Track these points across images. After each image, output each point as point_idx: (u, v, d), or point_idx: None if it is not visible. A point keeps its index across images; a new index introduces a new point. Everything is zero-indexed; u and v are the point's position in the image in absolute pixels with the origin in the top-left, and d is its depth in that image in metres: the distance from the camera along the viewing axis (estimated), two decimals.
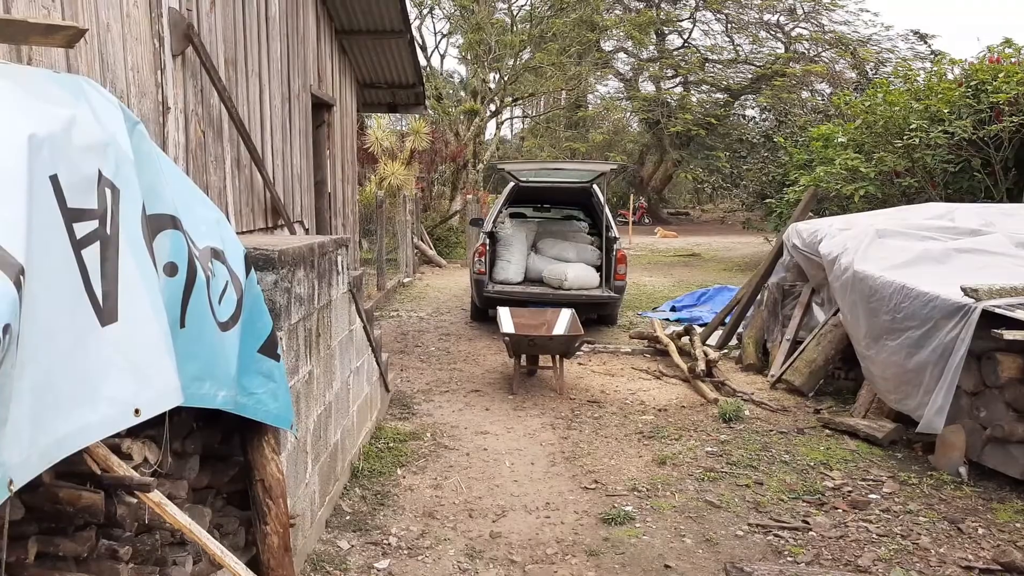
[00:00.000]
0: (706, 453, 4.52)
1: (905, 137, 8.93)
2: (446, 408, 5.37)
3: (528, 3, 19.38)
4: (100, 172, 1.54)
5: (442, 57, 23.04)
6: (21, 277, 1.12)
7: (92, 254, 1.44)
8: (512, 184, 8.93)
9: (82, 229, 1.43)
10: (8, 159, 1.23)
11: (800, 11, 21.00)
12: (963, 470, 4.13)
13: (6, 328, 1.05)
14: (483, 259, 8.08)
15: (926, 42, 18.56)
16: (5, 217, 1.15)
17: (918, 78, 10.76)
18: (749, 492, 3.94)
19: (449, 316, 9.23)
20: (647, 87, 23.43)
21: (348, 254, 4.05)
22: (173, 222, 1.86)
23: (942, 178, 8.74)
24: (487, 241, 8.31)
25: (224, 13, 4.37)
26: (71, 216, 1.40)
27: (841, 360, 5.74)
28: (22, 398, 1.14)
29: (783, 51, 21.41)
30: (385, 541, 3.32)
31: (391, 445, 4.52)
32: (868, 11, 26.25)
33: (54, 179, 1.37)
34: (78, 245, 1.40)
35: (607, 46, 22.53)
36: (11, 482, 1.09)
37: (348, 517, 3.53)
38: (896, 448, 4.58)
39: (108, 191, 1.55)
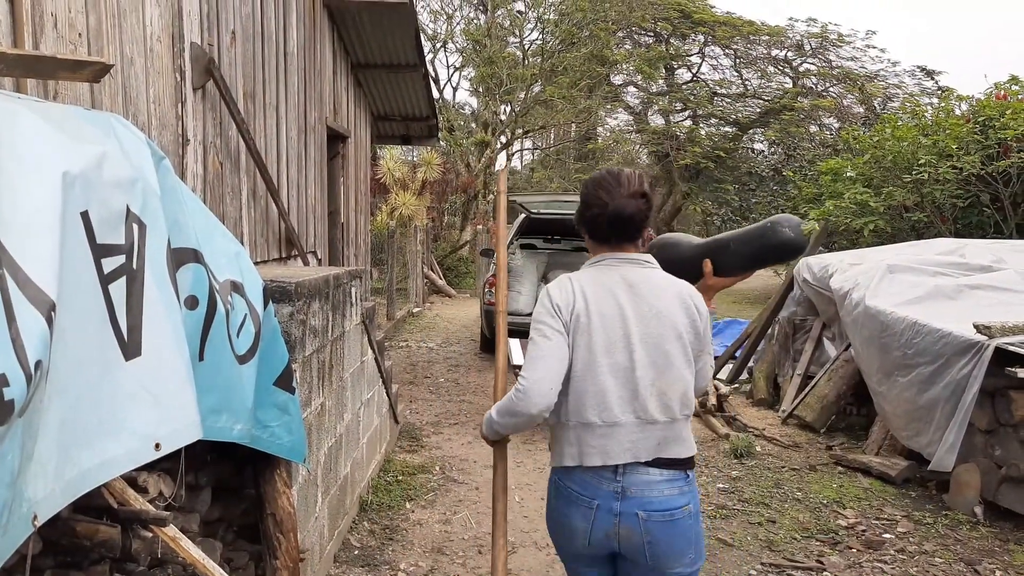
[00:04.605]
0: (718, 490, 4.46)
1: (914, 172, 8.97)
2: (455, 441, 5.34)
3: (539, 38, 19.72)
4: (128, 208, 1.58)
5: (454, 89, 23.42)
6: (52, 313, 1.15)
7: (118, 289, 1.47)
8: (523, 215, 9.00)
9: (110, 264, 1.46)
10: (43, 196, 1.27)
11: (808, 47, 21.25)
12: (978, 510, 4.06)
13: (37, 364, 1.07)
14: (494, 290, 8.10)
15: (933, 78, 18.71)
16: (39, 253, 1.18)
17: (926, 114, 10.85)
18: (762, 530, 3.88)
19: (459, 347, 9.23)
20: (656, 120, 23.67)
21: (362, 285, 4.08)
22: (195, 256, 1.89)
23: (951, 213, 8.75)
24: None
25: (244, 48, 4.48)
26: (100, 252, 1.43)
27: (853, 396, 5.69)
28: (48, 432, 1.15)
29: (791, 86, 21.62)
30: None
31: (400, 478, 4.49)
32: (875, 47, 26.51)
33: (85, 215, 1.41)
34: (105, 280, 1.43)
35: (617, 80, 22.83)
36: (35, 517, 1.10)
37: (357, 552, 3.50)
38: (910, 486, 4.51)
39: (135, 226, 1.58)
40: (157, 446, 1.43)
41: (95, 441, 1.28)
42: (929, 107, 12.36)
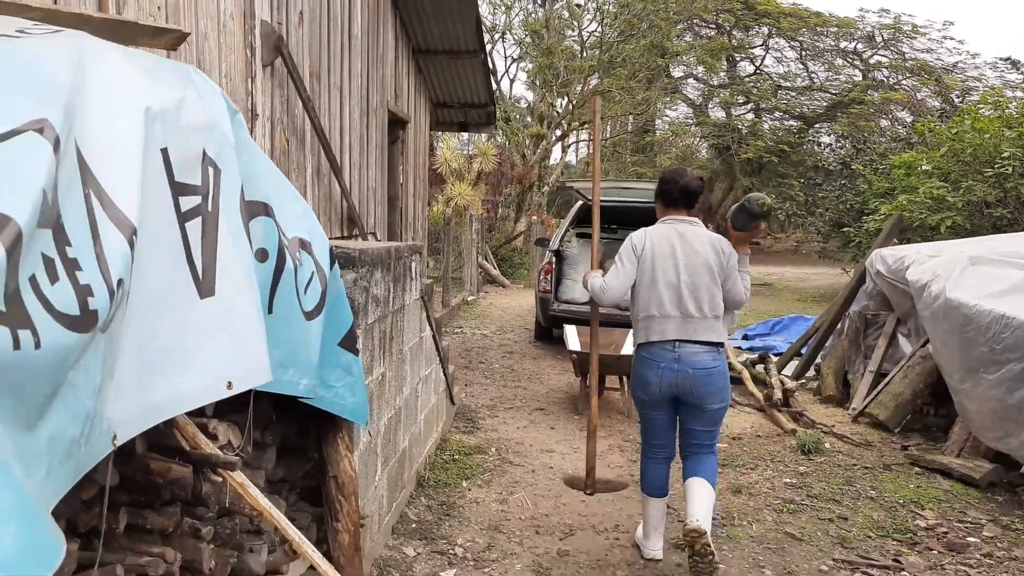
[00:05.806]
0: (784, 484, 4.29)
1: (996, 166, 8.47)
2: (511, 424, 5.30)
3: (598, 29, 19.50)
4: (204, 151, 1.57)
5: (511, 82, 23.38)
6: (134, 237, 1.14)
7: (194, 228, 1.46)
8: (580, 203, 8.88)
9: (186, 203, 1.45)
10: (127, 128, 1.26)
11: (879, 39, 20.39)
12: None
13: (119, 282, 1.05)
14: (549, 277, 8.02)
15: (1018, 69, 17.66)
16: (123, 179, 1.17)
17: (1010, 105, 10.22)
18: (832, 527, 3.70)
19: (513, 335, 9.19)
20: (717, 113, 23.14)
21: (422, 261, 4.07)
22: (266, 209, 1.88)
23: None
24: (553, 260, 8.26)
25: (311, 28, 4.52)
26: (177, 189, 1.43)
27: (930, 395, 5.39)
28: (127, 355, 1.14)
29: (861, 79, 20.79)
30: (451, 551, 3.25)
31: (456, 457, 4.48)
32: (952, 38, 25.18)
33: (164, 152, 1.40)
34: (182, 218, 1.42)
35: (677, 72, 22.40)
36: (115, 436, 1.09)
37: (414, 525, 3.49)
38: (996, 491, 4.23)
39: (211, 170, 1.57)
40: (229, 385, 1.42)
41: (170, 372, 1.27)
42: (1013, 100, 11.65)
